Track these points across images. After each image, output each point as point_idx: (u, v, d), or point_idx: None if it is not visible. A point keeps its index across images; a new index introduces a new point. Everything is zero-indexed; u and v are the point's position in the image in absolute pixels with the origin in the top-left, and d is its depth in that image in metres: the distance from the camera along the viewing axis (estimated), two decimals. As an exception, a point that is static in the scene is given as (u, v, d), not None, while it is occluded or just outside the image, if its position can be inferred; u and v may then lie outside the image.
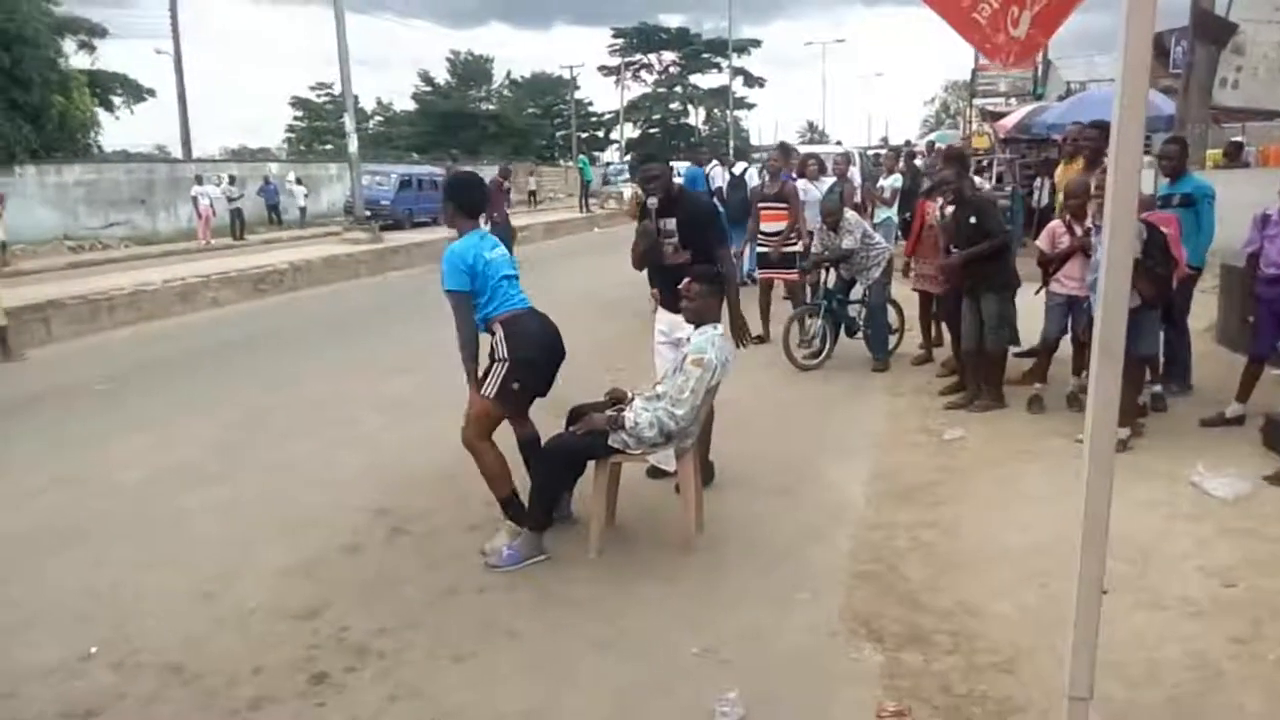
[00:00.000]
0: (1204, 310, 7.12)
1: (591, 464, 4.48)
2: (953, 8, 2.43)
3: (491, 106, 65.14)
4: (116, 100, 32.17)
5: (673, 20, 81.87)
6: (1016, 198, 13.59)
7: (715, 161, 14.46)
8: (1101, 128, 7.60)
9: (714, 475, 5.32)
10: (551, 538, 4.51)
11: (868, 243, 8.20)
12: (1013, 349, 6.94)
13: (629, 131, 66.52)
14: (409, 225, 26.30)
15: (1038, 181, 14.04)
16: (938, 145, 22.10)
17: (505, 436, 4.67)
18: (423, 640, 3.74)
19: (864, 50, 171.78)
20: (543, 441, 4.60)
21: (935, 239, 7.40)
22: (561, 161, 55.27)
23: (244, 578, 4.37)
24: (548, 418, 4.82)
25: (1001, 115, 20.56)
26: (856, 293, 8.48)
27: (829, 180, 11.13)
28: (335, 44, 20.01)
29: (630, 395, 4.66)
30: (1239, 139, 15.96)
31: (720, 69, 65.88)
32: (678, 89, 70.56)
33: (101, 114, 30.51)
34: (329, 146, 52.12)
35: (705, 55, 68.34)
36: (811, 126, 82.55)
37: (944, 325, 7.80)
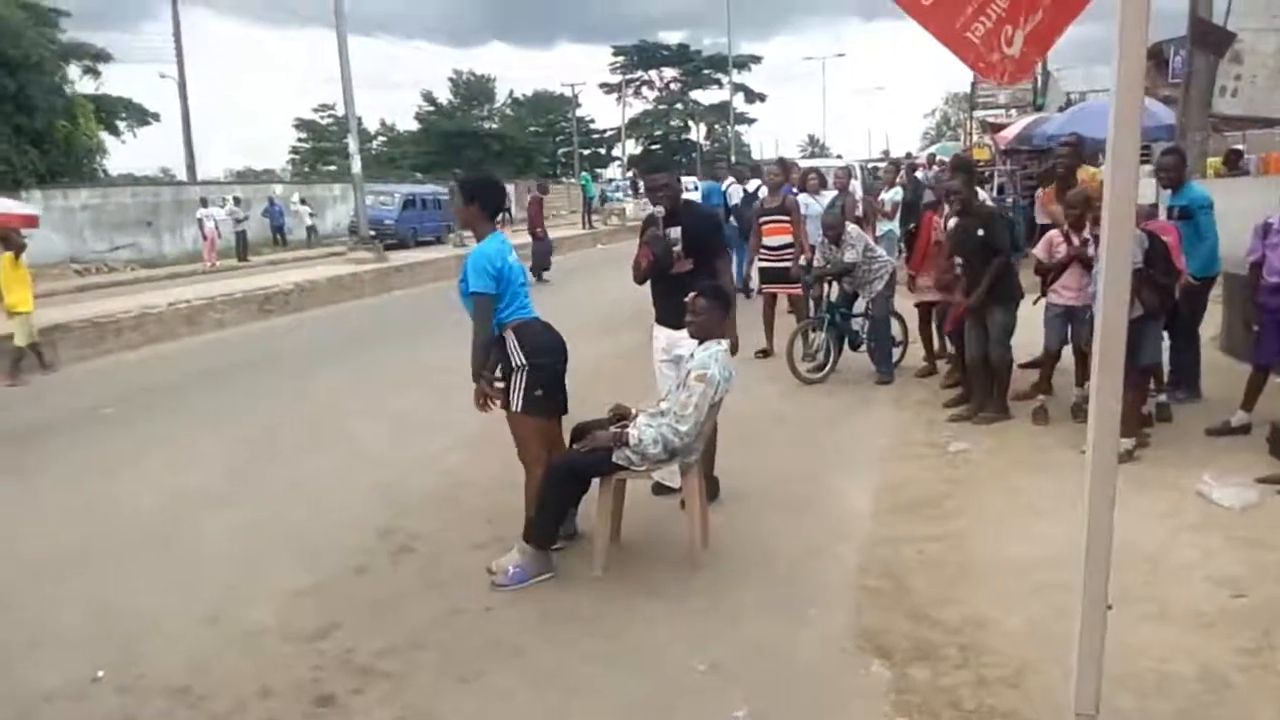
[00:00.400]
0: (1208, 319, 7.11)
1: (596, 481, 4.48)
2: (946, 28, 2.44)
3: (494, 125, 65.50)
4: (121, 124, 32.41)
5: (673, 37, 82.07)
6: (1018, 209, 13.59)
7: (732, 179, 14.49)
8: (1072, 144, 7.62)
9: (719, 491, 5.32)
10: (557, 555, 4.51)
11: (870, 256, 8.21)
12: (1017, 362, 6.93)
13: (631, 148, 66.74)
14: (413, 244, 26.44)
15: (1039, 192, 14.03)
16: (939, 158, 22.17)
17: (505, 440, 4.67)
18: (429, 660, 3.74)
19: (864, 64, 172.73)
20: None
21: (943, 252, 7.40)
22: (564, 179, 55.41)
23: (251, 599, 4.37)
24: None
25: (1002, 126, 20.62)
26: (859, 306, 8.49)
27: (830, 194, 11.16)
28: (338, 65, 20.14)
29: (634, 412, 4.66)
30: (1239, 147, 15.92)
31: (721, 85, 66.16)
32: (679, 105, 70.83)
33: (107, 138, 30.77)
34: (333, 167, 52.38)
35: (706, 71, 68.64)
36: (812, 140, 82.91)
37: (948, 337, 7.79)
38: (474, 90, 67.10)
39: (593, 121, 70.11)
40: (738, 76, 63.72)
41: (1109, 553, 2.33)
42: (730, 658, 3.63)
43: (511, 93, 69.89)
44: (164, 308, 13.26)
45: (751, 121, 72.54)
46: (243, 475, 6.38)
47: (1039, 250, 6.51)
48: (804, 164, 14.47)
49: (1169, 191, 6.72)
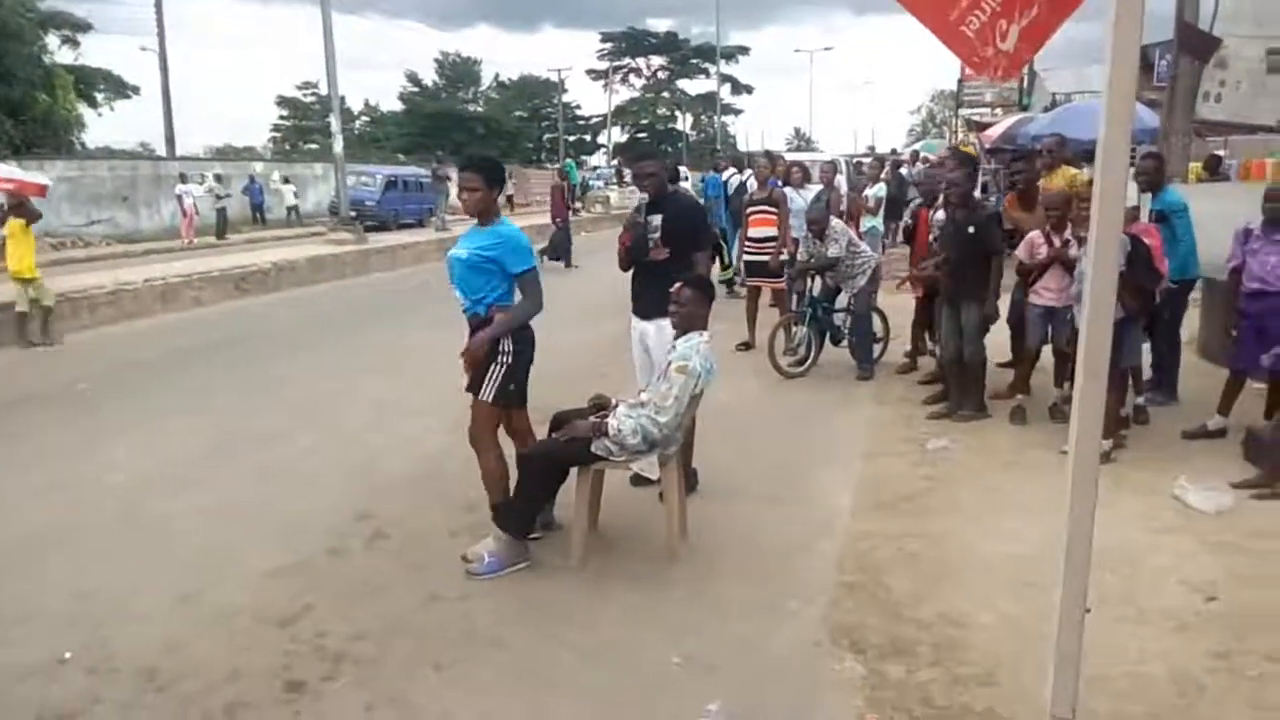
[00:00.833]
0: (1186, 323, 7.16)
1: (574, 471, 4.46)
2: (941, 21, 2.43)
3: (479, 108, 65.10)
4: (99, 96, 31.96)
5: (661, 25, 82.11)
6: (999, 204, 13.62)
7: (733, 169, 14.52)
8: (1026, 156, 7.63)
9: (697, 483, 5.31)
10: (534, 545, 4.48)
11: (853, 251, 8.21)
12: (994, 361, 6.97)
13: (616, 135, 66.59)
14: (394, 226, 26.19)
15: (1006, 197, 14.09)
16: (923, 155, 22.25)
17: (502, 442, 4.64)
18: (403, 648, 3.71)
19: (852, 59, 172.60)
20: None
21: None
22: (548, 164, 55.18)
23: (223, 582, 4.32)
24: (532, 424, 4.80)
25: (987, 125, 20.70)
26: (842, 301, 8.49)
27: (814, 187, 11.15)
28: (322, 43, 19.92)
29: (614, 402, 4.64)
30: (1219, 152, 16.08)
31: (708, 75, 66.05)
32: (665, 94, 70.71)
33: (85, 110, 30.30)
34: (314, 146, 51.94)
35: (694, 61, 68.53)
36: (798, 134, 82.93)
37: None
38: (459, 72, 66.67)
39: (578, 108, 69.94)
40: (725, 67, 63.67)
41: (1089, 557, 2.33)
42: (706, 650, 3.63)
43: (497, 76, 69.62)
44: (140, 284, 13.10)
45: (738, 113, 72.59)
46: (217, 455, 6.31)
47: (1020, 251, 6.52)
48: (789, 158, 14.47)
49: (1149, 195, 6.75)
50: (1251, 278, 5.76)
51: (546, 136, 67.17)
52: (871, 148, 52.50)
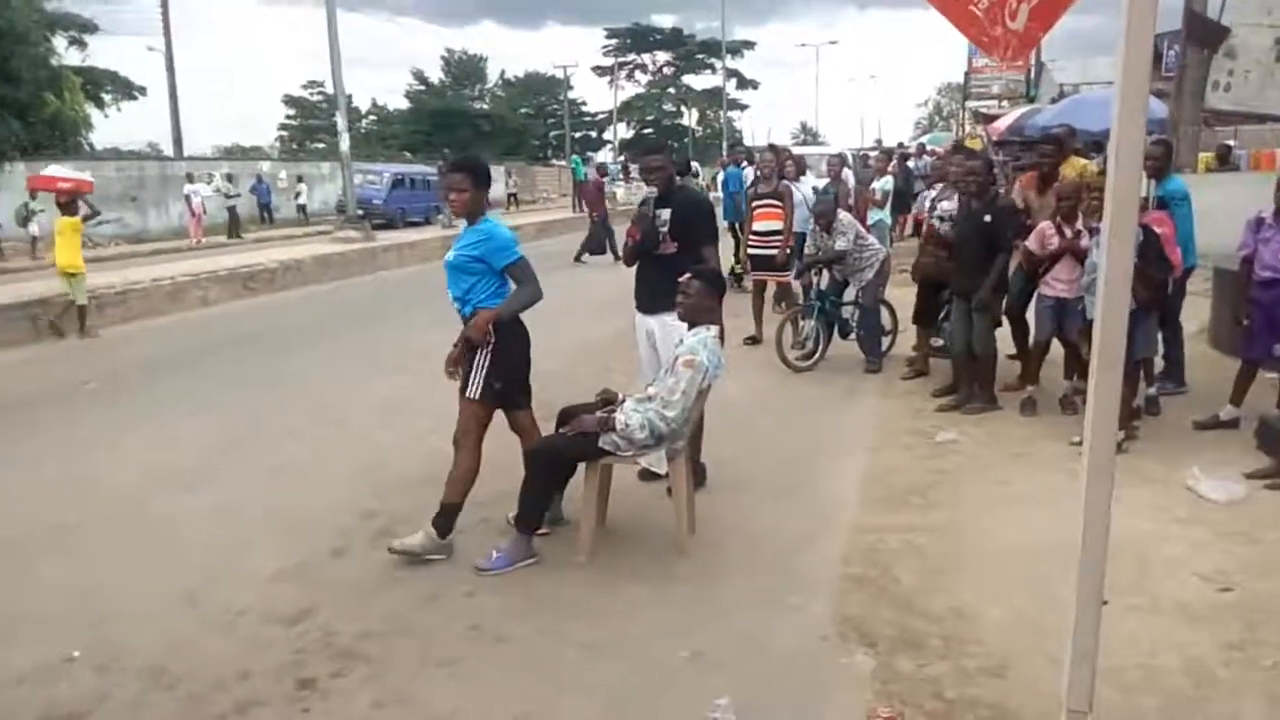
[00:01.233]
0: (1196, 313, 7.11)
1: (582, 466, 4.44)
2: (950, 1, 2.39)
3: (485, 106, 65.10)
4: (107, 97, 32.01)
5: (666, 21, 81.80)
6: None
7: (749, 163, 14.56)
8: (1052, 141, 7.54)
9: (705, 478, 5.28)
10: (541, 541, 4.47)
11: (861, 244, 8.18)
12: (1004, 352, 6.92)
13: (622, 131, 66.54)
14: (401, 224, 26.25)
15: (1021, 177, 14.02)
16: (930, 147, 22.14)
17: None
18: (410, 645, 3.70)
19: (857, 52, 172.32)
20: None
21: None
22: (555, 161, 55.13)
23: (231, 580, 4.31)
24: (539, 420, 4.78)
25: (994, 117, 20.63)
26: (849, 294, 8.46)
27: (808, 181, 11.10)
28: (327, 42, 19.92)
29: (621, 397, 4.62)
30: (1229, 142, 15.98)
31: (714, 70, 65.93)
32: (671, 90, 70.59)
33: (92, 111, 30.35)
34: (321, 145, 51.97)
35: (699, 56, 68.45)
36: (805, 128, 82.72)
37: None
38: (465, 70, 66.68)
39: (584, 104, 69.90)
40: (731, 62, 63.54)
41: (1105, 549, 2.30)
42: (714, 645, 3.60)
43: (503, 73, 69.64)
44: (148, 284, 13.13)
45: (744, 108, 72.51)
46: (223, 455, 6.30)
47: (1031, 242, 6.47)
48: (796, 151, 14.44)
49: (1154, 182, 6.70)
50: (1263, 266, 5.71)
51: (553, 134, 67.10)
52: (878, 141, 52.33)
